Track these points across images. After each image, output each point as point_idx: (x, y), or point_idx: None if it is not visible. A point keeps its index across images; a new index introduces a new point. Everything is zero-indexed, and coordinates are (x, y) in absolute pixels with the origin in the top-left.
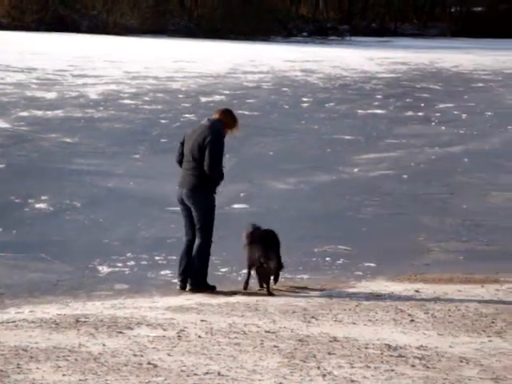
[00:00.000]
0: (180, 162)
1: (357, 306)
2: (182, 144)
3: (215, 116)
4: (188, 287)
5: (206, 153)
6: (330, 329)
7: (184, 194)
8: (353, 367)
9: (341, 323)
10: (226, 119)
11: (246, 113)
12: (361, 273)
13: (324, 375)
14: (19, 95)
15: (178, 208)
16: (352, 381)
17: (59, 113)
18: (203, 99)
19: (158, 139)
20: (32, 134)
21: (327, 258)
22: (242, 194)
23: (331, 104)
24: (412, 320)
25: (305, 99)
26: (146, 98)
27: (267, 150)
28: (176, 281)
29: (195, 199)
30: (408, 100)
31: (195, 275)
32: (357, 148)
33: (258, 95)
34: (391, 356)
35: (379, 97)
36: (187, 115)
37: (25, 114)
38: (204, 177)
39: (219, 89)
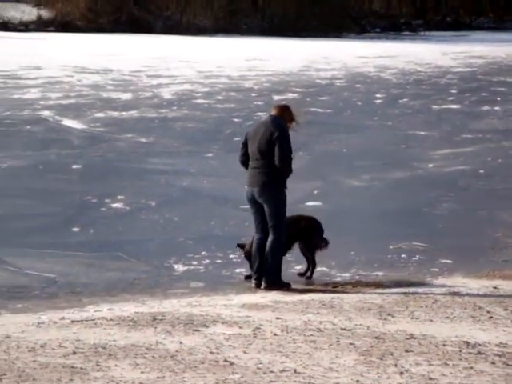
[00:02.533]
0: (244, 163)
1: (433, 302)
2: (245, 144)
3: (274, 113)
4: (263, 285)
5: (276, 148)
6: (407, 326)
7: (256, 191)
8: (431, 365)
9: (417, 320)
10: (286, 115)
11: (319, 110)
12: (437, 269)
13: (401, 373)
14: (95, 96)
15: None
16: (430, 378)
17: (134, 113)
18: (276, 97)
19: (231, 138)
20: (108, 135)
21: (403, 255)
22: (315, 192)
23: (405, 100)
24: (491, 317)
25: (378, 95)
26: (219, 97)
27: (341, 147)
28: (252, 279)
29: (268, 196)
30: (484, 94)
31: (269, 272)
32: (432, 144)
33: (330, 92)
34: (470, 353)
35: (454, 91)
36: (260, 113)
37: (101, 114)
38: (274, 173)
39: (292, 86)
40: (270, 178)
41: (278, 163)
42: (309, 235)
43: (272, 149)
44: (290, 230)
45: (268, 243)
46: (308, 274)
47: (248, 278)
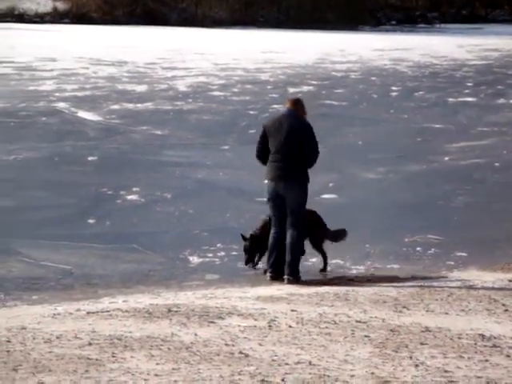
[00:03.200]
0: (261, 157)
1: (449, 295)
2: (263, 139)
3: (294, 107)
4: (287, 278)
5: (307, 144)
6: (422, 319)
7: (282, 186)
8: (446, 357)
9: (433, 313)
10: (300, 108)
11: (335, 103)
12: (452, 262)
13: (417, 365)
14: (110, 88)
15: (265, 199)
16: (445, 371)
17: (149, 105)
18: (291, 90)
19: (246, 130)
20: (123, 127)
21: (418, 248)
22: (331, 184)
23: (421, 93)
24: (506, 310)
25: (394, 88)
26: (235, 90)
27: (356, 139)
28: (267, 273)
29: (296, 191)
30: (500, 87)
31: (295, 266)
32: (447, 136)
33: (346, 85)
34: (485, 346)
35: (470, 84)
36: (275, 106)
37: (116, 106)
38: (300, 168)
39: (307, 79)
40: (297, 172)
41: (311, 159)
42: (312, 230)
43: (297, 144)
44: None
45: (291, 238)
46: (321, 266)
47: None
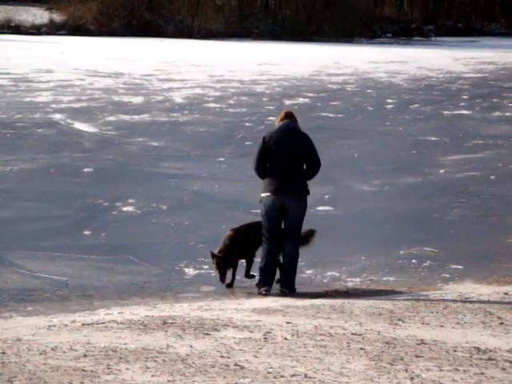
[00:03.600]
0: (260, 171)
1: (444, 308)
2: (263, 152)
3: (287, 119)
4: (282, 292)
5: (310, 156)
6: (418, 331)
7: (285, 199)
8: (441, 370)
9: (428, 326)
10: (295, 120)
11: (331, 115)
12: (448, 275)
13: (412, 378)
14: (107, 100)
15: (260, 211)
16: None
17: (145, 117)
18: (287, 102)
19: (242, 142)
20: (119, 138)
21: (413, 260)
22: (326, 196)
23: (416, 105)
24: (502, 323)
25: (389, 101)
26: (231, 102)
27: (352, 152)
28: (262, 289)
29: (298, 203)
30: (495, 100)
31: (293, 281)
32: (443, 149)
33: (342, 97)
34: (481, 359)
35: (465, 97)
36: (271, 118)
37: (112, 118)
38: (302, 181)
39: (303, 91)
40: (299, 185)
41: (312, 171)
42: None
43: (299, 156)
44: (253, 237)
45: (289, 252)
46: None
47: (229, 286)
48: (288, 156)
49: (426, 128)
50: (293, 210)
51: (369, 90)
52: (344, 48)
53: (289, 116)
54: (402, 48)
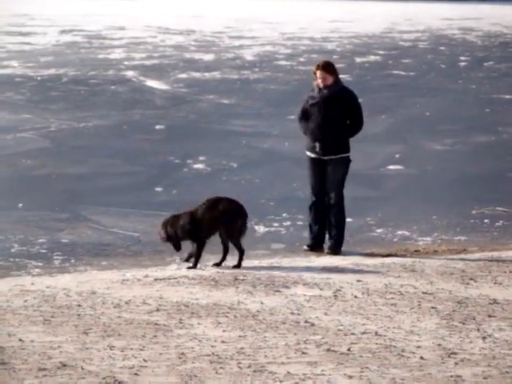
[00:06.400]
0: (303, 123)
1: None
2: (306, 109)
3: (334, 78)
4: (330, 249)
5: (355, 113)
6: (490, 291)
7: (332, 154)
8: None
9: (501, 285)
10: (334, 71)
11: (402, 73)
12: None
13: (484, 337)
14: (178, 57)
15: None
16: None
17: (216, 74)
18: (358, 59)
19: None
20: (190, 96)
21: (486, 220)
22: (397, 155)
23: (490, 63)
24: None
25: (462, 58)
26: (301, 59)
27: (423, 110)
28: (305, 246)
29: (342, 159)
30: None
31: (340, 237)
32: None
33: (414, 55)
34: None
35: None
36: (342, 75)
37: (183, 75)
38: (346, 138)
39: (374, 49)
40: (345, 141)
41: (358, 128)
42: (231, 219)
43: (344, 115)
44: (210, 214)
45: (336, 208)
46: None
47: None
48: (332, 114)
49: (500, 86)
50: (337, 166)
51: (441, 48)
52: (416, 4)
53: (334, 73)
54: (476, 4)
